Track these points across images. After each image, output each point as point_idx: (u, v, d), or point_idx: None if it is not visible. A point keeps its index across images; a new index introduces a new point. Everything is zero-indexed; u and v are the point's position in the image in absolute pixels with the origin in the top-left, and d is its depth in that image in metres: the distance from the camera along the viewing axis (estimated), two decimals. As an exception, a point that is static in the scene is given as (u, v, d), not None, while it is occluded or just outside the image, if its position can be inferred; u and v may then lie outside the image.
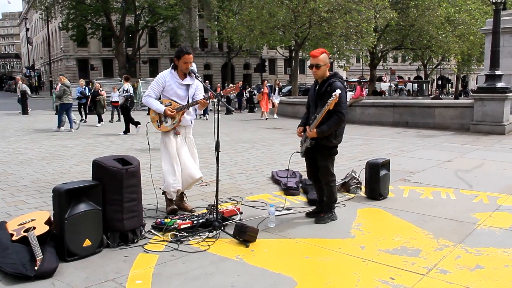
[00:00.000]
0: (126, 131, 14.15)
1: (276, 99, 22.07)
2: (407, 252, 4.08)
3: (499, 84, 13.52)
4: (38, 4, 41.07)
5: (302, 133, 5.03)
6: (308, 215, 5.18)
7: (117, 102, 18.79)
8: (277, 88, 22.20)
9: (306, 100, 5.30)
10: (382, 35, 34.22)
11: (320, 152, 4.91)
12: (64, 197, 3.81)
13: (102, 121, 17.53)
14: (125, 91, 14.63)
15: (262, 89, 22.06)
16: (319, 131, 4.70)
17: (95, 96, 18.39)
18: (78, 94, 18.91)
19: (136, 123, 14.13)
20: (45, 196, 5.85)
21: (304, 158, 5.19)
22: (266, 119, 20.62)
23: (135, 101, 26.13)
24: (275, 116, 21.56)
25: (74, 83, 22.86)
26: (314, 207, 5.33)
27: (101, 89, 18.89)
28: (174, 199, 5.33)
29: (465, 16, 31.96)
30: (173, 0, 40.93)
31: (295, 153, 5.35)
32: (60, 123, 15.15)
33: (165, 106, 5.12)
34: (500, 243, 4.28)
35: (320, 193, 5.20)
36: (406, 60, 52.89)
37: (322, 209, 5.10)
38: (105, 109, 18.09)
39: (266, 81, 23.64)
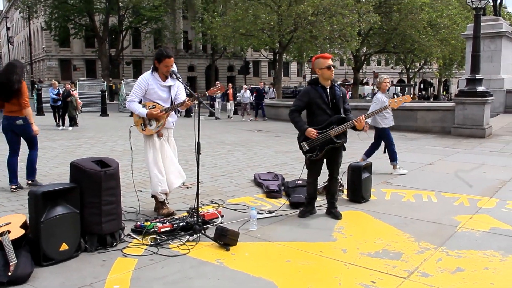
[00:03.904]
0: None
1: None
2: (389, 255, 4.08)
3: (480, 88, 13.71)
4: (19, 3, 40.57)
5: (317, 134, 5.01)
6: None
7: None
8: (273, 91, 18.08)
9: (294, 103, 5.22)
10: (365, 38, 34.51)
11: (340, 150, 5.20)
12: (40, 200, 3.72)
13: (77, 125, 16.57)
14: None
15: None
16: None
17: (66, 97, 16.51)
18: (54, 96, 16.74)
19: None
20: (23, 199, 5.71)
21: (304, 160, 5.33)
22: None
23: (119, 102, 25.53)
24: None
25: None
26: (302, 208, 5.42)
27: (72, 89, 17.31)
28: (165, 201, 5.26)
29: (447, 21, 32.32)
30: (158, 1, 40.80)
31: (305, 160, 5.34)
32: None
33: (149, 108, 5.05)
34: (480, 246, 4.31)
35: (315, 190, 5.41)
36: (389, 64, 53.44)
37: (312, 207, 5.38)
38: (77, 111, 16.64)
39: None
